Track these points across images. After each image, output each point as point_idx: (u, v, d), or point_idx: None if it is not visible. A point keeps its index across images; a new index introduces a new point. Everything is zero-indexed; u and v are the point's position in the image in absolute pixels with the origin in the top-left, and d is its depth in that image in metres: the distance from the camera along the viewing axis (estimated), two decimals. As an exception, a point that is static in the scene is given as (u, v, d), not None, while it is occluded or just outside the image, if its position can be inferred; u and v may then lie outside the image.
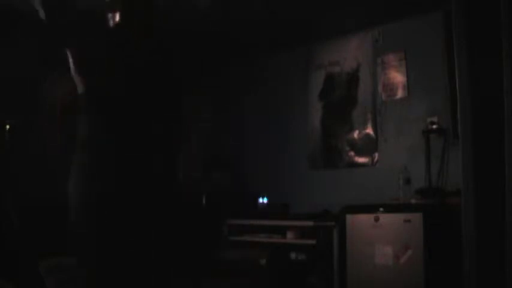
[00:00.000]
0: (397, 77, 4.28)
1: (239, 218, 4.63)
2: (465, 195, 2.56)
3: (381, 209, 3.53)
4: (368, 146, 4.42)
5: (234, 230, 4.64)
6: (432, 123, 3.99)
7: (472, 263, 2.51)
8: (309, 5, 4.01)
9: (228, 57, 5.26)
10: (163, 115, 1.93)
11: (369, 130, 4.43)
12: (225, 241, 4.65)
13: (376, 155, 4.37)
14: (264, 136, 5.14)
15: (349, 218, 3.68)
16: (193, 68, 5.22)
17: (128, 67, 1.88)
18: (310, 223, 4.04)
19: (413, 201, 3.61)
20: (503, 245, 2.39)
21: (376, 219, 3.50)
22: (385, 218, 3.48)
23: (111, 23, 1.96)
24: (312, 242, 4.05)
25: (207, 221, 4.79)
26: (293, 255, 4.23)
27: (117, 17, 1.94)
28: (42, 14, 1.76)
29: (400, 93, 4.27)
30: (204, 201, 4.91)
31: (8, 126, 3.45)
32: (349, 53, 4.62)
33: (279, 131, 5.04)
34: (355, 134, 4.53)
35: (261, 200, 4.76)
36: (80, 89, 1.85)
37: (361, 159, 4.47)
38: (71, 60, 1.84)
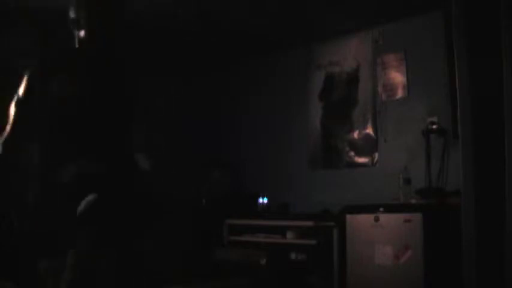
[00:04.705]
0: (397, 77, 4.28)
1: (239, 218, 4.63)
2: (465, 195, 2.56)
3: (381, 209, 3.53)
4: (368, 146, 4.42)
5: (234, 230, 4.64)
6: (432, 123, 3.99)
7: (471, 263, 2.51)
8: (309, 5, 4.01)
9: (229, 57, 5.26)
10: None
11: (369, 130, 4.43)
12: (225, 241, 4.65)
13: (376, 155, 4.36)
14: (264, 136, 5.14)
15: (349, 218, 3.68)
16: (193, 68, 5.23)
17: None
18: (310, 223, 4.04)
19: (413, 201, 3.61)
20: (503, 245, 2.39)
21: (376, 219, 3.50)
22: (385, 218, 3.48)
23: (76, 39, 1.98)
24: (312, 242, 4.04)
25: (207, 221, 4.79)
26: (293, 255, 4.22)
27: (82, 34, 1.96)
28: None
29: (400, 93, 4.27)
30: (203, 201, 4.92)
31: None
32: (349, 53, 4.62)
33: (279, 131, 5.05)
34: (355, 134, 4.52)
35: (260, 200, 4.76)
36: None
37: (361, 159, 4.46)
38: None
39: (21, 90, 1.91)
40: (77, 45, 1.99)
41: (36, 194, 1.87)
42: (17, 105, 1.91)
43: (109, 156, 1.93)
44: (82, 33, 1.96)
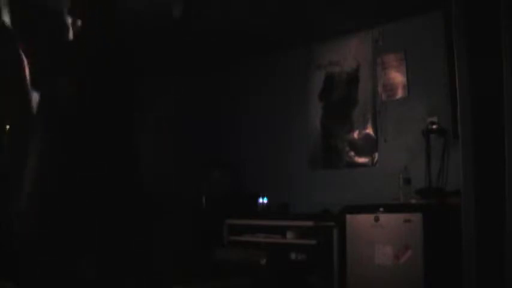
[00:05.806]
0: (397, 77, 4.28)
1: (239, 218, 4.63)
2: (465, 195, 2.56)
3: (381, 209, 3.53)
4: (368, 146, 4.42)
5: (234, 230, 4.64)
6: (432, 123, 3.99)
7: (471, 263, 2.51)
8: (309, 5, 4.01)
9: (229, 57, 5.26)
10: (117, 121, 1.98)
11: (369, 130, 4.43)
12: (225, 241, 4.65)
13: (376, 155, 4.36)
14: (264, 136, 5.14)
15: (349, 218, 3.68)
16: (193, 68, 5.23)
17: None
18: (310, 223, 4.04)
19: (413, 201, 3.61)
20: (503, 245, 2.39)
21: (376, 219, 3.50)
22: (385, 218, 3.48)
23: (71, 29, 1.98)
24: (312, 242, 4.04)
25: (207, 221, 4.78)
26: (293, 255, 4.22)
27: (79, 23, 1.96)
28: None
29: (400, 93, 4.27)
30: (203, 201, 4.92)
31: (7, 127, 3.44)
32: (349, 53, 4.62)
33: (279, 131, 5.04)
34: (355, 134, 4.52)
35: (260, 200, 4.76)
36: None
37: (361, 159, 4.46)
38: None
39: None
40: (72, 37, 1.99)
41: (34, 195, 1.87)
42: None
43: (110, 156, 1.93)
44: (78, 22, 1.96)
